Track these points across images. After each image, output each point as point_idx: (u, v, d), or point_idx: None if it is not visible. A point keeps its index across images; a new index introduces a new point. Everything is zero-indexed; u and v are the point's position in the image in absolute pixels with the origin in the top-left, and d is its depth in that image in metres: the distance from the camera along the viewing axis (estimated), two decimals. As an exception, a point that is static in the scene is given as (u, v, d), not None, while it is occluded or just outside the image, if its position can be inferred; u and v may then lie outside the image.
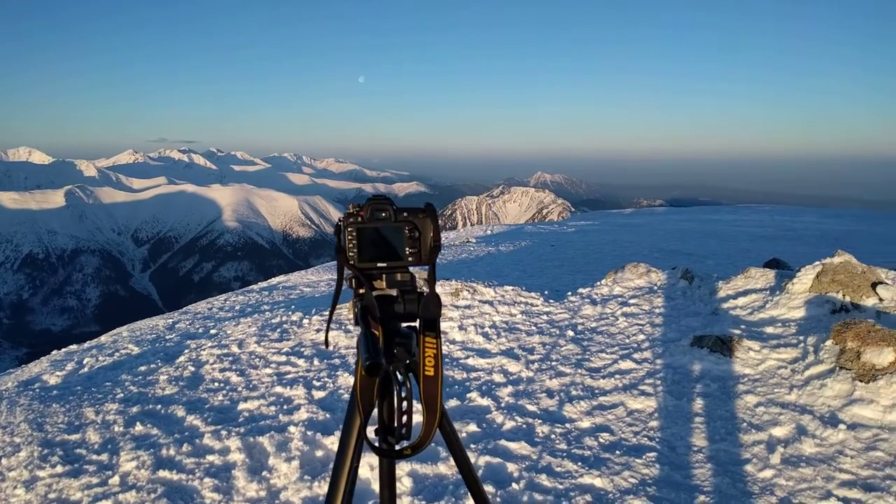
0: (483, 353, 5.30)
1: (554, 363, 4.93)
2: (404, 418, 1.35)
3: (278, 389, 4.81)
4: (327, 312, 6.30)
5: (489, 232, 20.58)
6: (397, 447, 1.40)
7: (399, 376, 1.36)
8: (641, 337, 5.20)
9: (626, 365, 4.68)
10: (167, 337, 7.19)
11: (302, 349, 5.73)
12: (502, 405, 4.29)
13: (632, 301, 6.10)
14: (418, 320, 1.42)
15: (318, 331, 6.20)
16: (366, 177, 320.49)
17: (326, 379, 4.94)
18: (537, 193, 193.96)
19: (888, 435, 3.26)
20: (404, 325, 1.44)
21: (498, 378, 4.78)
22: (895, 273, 5.28)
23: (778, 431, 3.49)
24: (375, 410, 1.45)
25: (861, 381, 3.63)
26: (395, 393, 1.36)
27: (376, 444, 1.42)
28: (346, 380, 4.90)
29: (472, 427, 3.97)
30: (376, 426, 1.44)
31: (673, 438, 3.64)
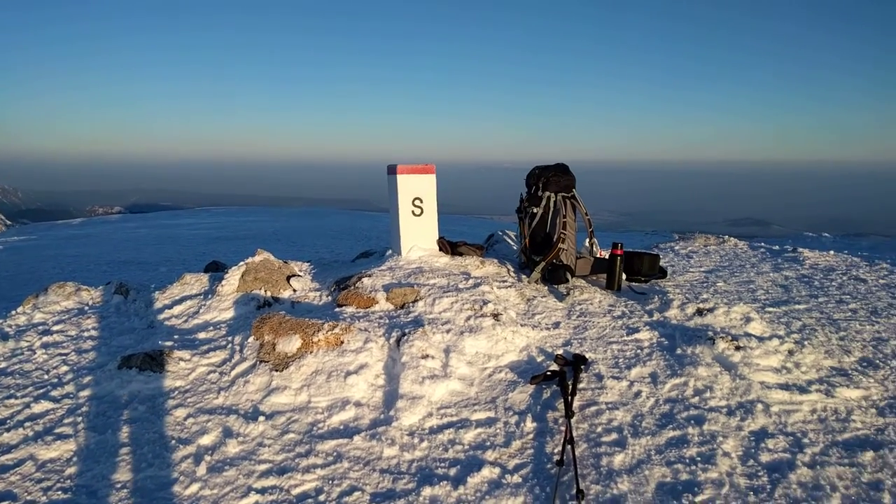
0: None
1: (-62, 428, 3.80)
2: None
3: None
4: None
5: None
6: None
7: None
8: (65, 368, 4.51)
9: (40, 407, 3.95)
10: None
11: None
12: None
13: (56, 328, 5.27)
14: None
15: None
16: None
17: None
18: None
19: (298, 415, 3.61)
20: None
21: None
22: (307, 265, 6.04)
23: (205, 440, 3.46)
24: None
25: (277, 370, 3.93)
26: None
27: None
28: None
29: None
30: None
31: (94, 481, 3.19)
